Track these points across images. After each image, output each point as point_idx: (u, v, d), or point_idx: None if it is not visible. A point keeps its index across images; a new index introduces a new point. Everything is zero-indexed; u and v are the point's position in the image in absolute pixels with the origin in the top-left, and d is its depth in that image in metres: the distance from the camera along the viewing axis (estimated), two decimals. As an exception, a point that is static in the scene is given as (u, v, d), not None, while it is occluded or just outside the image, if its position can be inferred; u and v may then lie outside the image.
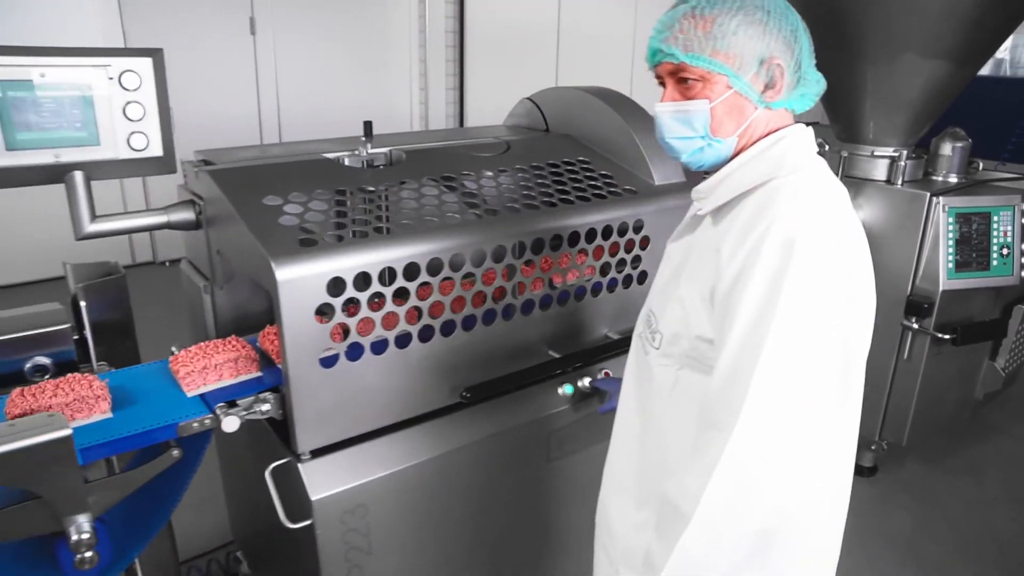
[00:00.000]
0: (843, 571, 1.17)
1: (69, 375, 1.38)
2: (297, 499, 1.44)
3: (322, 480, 1.44)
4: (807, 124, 1.11)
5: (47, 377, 1.51)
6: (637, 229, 1.81)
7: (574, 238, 1.69)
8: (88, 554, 1.24)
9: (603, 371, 1.80)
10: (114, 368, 1.60)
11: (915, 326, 2.61)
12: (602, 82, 2.32)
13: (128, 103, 1.53)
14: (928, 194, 2.55)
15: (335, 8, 5.82)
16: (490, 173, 1.81)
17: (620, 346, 1.82)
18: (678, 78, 1.05)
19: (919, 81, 2.56)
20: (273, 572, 1.95)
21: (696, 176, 1.97)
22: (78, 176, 1.53)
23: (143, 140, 1.56)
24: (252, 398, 1.43)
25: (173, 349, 1.57)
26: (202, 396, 1.45)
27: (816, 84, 1.09)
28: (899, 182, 2.67)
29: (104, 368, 1.60)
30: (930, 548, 2.60)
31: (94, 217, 1.59)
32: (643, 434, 1.21)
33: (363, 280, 1.40)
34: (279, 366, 1.55)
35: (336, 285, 1.37)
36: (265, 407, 1.42)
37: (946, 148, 2.76)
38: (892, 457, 3.04)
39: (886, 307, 2.51)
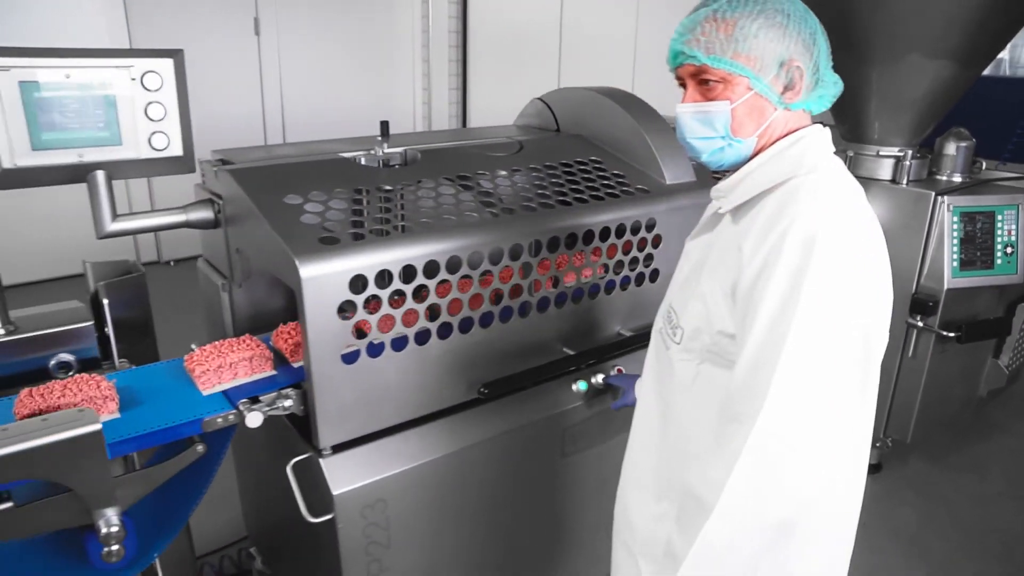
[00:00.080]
0: (850, 565, 1.19)
1: (77, 375, 1.39)
2: (318, 494, 1.46)
3: (343, 475, 1.46)
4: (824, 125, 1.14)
5: (71, 374, 1.53)
6: (649, 228, 1.83)
7: (588, 236, 1.72)
8: (115, 547, 1.26)
9: (616, 368, 1.82)
10: (134, 365, 1.62)
11: (920, 324, 2.64)
12: (604, 82, 2.35)
13: (150, 103, 1.55)
14: (933, 193, 2.58)
15: (339, 9, 5.84)
16: (504, 172, 1.83)
17: (633, 343, 1.84)
18: (699, 80, 1.08)
19: (924, 82, 2.59)
20: (289, 567, 1.97)
21: (705, 175, 2.00)
22: (100, 175, 1.55)
23: (164, 140, 1.58)
24: (274, 394, 1.45)
25: (193, 346, 1.59)
26: (217, 394, 1.46)
27: (833, 85, 1.11)
28: (904, 181, 2.69)
29: (125, 365, 1.62)
30: (935, 543, 2.63)
31: (115, 216, 1.61)
32: (663, 428, 1.23)
33: (383, 278, 1.42)
34: (293, 364, 1.58)
35: (358, 283, 1.39)
36: (287, 403, 1.44)
37: (950, 148, 2.79)
38: (896, 454, 3.07)
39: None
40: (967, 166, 2.80)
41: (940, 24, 2.45)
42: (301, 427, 1.53)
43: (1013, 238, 2.63)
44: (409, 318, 1.47)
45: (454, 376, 1.59)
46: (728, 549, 1.03)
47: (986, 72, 2.85)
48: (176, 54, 1.56)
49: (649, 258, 1.86)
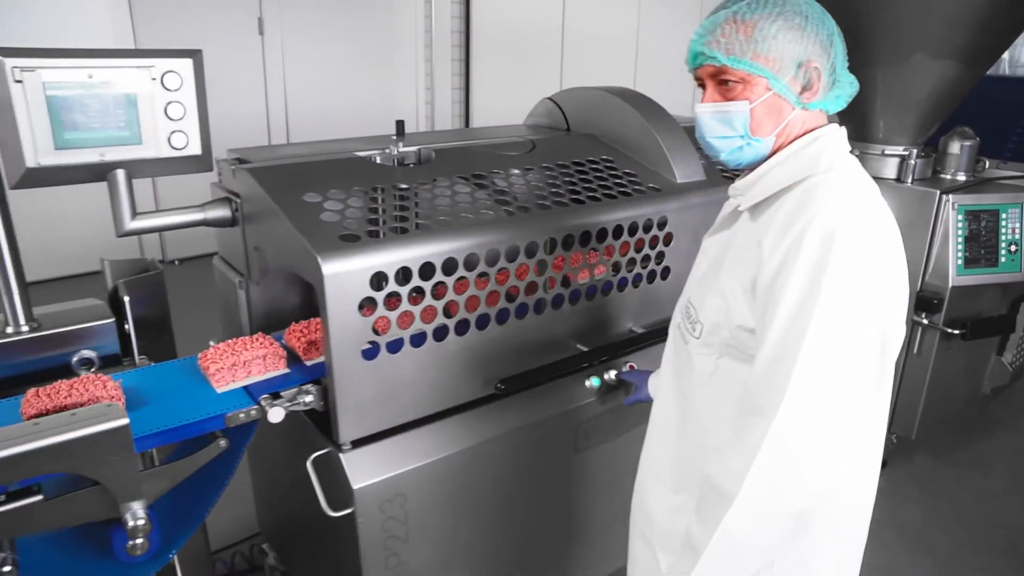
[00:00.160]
0: (858, 561, 1.22)
1: (83, 375, 1.40)
2: (338, 488, 1.48)
3: (363, 470, 1.48)
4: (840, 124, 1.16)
5: (93, 370, 1.55)
6: (661, 226, 1.86)
7: (601, 234, 1.74)
8: (140, 540, 1.28)
9: (628, 364, 1.85)
10: (153, 362, 1.64)
11: (925, 321, 2.67)
12: (606, 81, 2.37)
13: (169, 103, 1.56)
14: (938, 192, 2.61)
15: (343, 9, 5.86)
16: (518, 171, 1.85)
17: (645, 340, 1.87)
18: (719, 80, 1.10)
19: (929, 82, 2.62)
20: (304, 562, 1.99)
21: (715, 174, 2.02)
22: (120, 174, 1.57)
23: (183, 139, 1.60)
24: (295, 389, 1.47)
25: (211, 343, 1.61)
26: (227, 392, 1.47)
27: (849, 86, 1.14)
28: (909, 180, 2.72)
29: (145, 362, 1.64)
30: (940, 539, 2.65)
31: (135, 214, 1.63)
32: (682, 421, 1.25)
33: (403, 275, 1.44)
34: (305, 363, 1.59)
35: (378, 279, 1.41)
36: (308, 398, 1.46)
37: (954, 147, 2.81)
38: (901, 451, 3.09)
39: (897, 303, 2.56)
40: (971, 165, 2.82)
41: (944, 24, 2.47)
42: (319, 422, 1.55)
43: (1017, 236, 2.66)
44: (428, 315, 1.49)
45: (471, 372, 1.61)
46: (748, 539, 1.05)
47: (987, 72, 2.87)
48: (195, 54, 1.58)
49: (660, 256, 1.88)
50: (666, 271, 1.91)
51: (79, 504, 1.21)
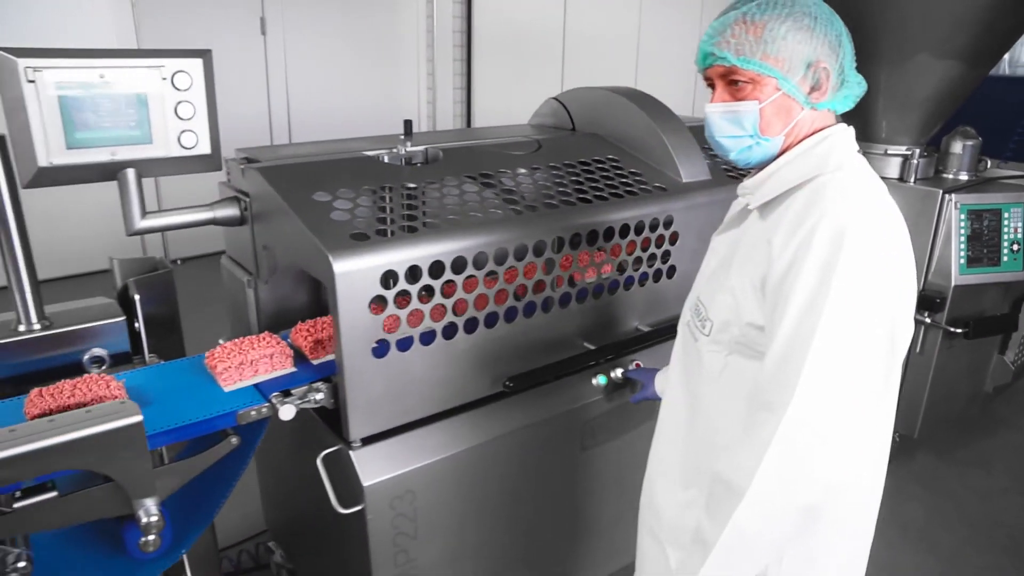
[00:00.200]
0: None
1: (86, 375, 1.40)
2: (347, 485, 1.49)
3: (373, 467, 1.49)
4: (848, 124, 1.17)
5: (104, 368, 1.56)
6: (667, 225, 1.87)
7: (608, 233, 1.75)
8: (153, 536, 1.29)
9: (634, 362, 1.86)
10: (162, 360, 1.65)
11: (928, 320, 2.68)
12: (607, 81, 2.38)
13: (180, 102, 1.58)
14: (941, 191, 2.62)
15: (345, 9, 5.87)
16: (524, 170, 1.86)
17: (651, 338, 1.88)
18: (728, 80, 1.11)
19: (932, 82, 2.63)
20: (311, 560, 2.00)
21: (721, 174, 2.03)
22: (130, 173, 1.58)
23: (193, 138, 1.61)
24: (306, 387, 1.48)
25: (221, 341, 1.62)
26: (233, 391, 1.48)
27: (857, 86, 1.15)
28: (912, 180, 2.73)
29: (155, 360, 1.65)
30: (943, 537, 2.66)
31: (144, 213, 1.63)
32: (691, 417, 1.27)
33: (413, 273, 1.45)
34: (312, 361, 1.60)
35: (388, 278, 1.42)
36: (319, 396, 1.47)
37: (957, 146, 2.82)
38: (904, 449, 3.10)
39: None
40: (973, 164, 2.83)
41: (948, 25, 2.49)
42: (328, 420, 1.56)
43: (1019, 235, 2.67)
44: (437, 313, 1.50)
45: (479, 370, 1.62)
46: (758, 534, 1.06)
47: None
48: (205, 54, 1.59)
49: (667, 255, 1.89)
50: (672, 270, 1.92)
51: (93, 500, 1.23)
